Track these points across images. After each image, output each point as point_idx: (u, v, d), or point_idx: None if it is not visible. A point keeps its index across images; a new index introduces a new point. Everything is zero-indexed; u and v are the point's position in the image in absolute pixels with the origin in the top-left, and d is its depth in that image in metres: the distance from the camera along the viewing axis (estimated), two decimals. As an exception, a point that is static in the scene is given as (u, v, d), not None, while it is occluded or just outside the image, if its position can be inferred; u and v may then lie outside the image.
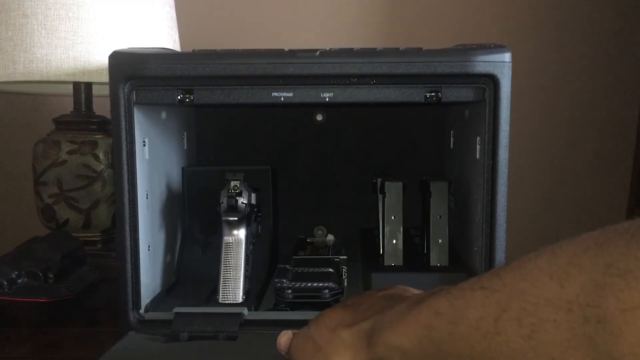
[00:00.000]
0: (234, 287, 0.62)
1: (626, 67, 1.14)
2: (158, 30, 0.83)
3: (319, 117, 0.82)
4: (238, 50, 0.58)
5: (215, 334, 0.56)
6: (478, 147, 0.60)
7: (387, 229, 0.66)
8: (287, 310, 0.61)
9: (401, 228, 0.65)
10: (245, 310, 0.59)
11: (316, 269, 0.66)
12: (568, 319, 0.26)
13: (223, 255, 0.63)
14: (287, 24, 1.14)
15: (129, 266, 0.59)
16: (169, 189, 0.71)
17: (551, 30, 1.13)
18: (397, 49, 0.57)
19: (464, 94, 0.57)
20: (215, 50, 0.58)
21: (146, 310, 0.61)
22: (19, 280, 0.66)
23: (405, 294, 0.42)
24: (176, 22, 0.90)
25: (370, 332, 0.37)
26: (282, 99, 0.57)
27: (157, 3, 0.83)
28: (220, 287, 0.62)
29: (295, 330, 0.45)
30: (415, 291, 0.42)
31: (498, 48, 0.56)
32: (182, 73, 0.56)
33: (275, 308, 0.62)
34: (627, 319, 0.23)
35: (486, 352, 0.30)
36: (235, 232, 0.63)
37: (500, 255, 0.57)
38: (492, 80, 0.55)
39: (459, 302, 0.33)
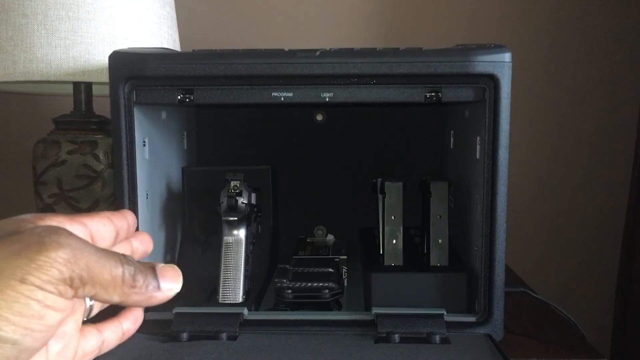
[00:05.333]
0: (234, 287, 0.62)
1: (626, 66, 1.14)
2: (158, 30, 0.83)
3: (319, 117, 0.82)
4: (238, 50, 0.58)
5: (215, 334, 0.56)
6: (478, 147, 0.60)
7: (387, 229, 0.66)
8: (287, 310, 0.61)
9: (401, 228, 0.65)
10: (245, 310, 0.59)
11: (316, 269, 0.66)
12: None
13: (223, 255, 0.63)
14: (287, 24, 1.14)
15: (129, 266, 0.59)
16: (169, 189, 0.71)
17: (551, 30, 1.13)
18: (397, 49, 0.57)
19: (464, 93, 0.57)
20: (215, 50, 0.58)
21: (146, 310, 0.61)
22: (19, 280, 0.66)
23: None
24: (176, 22, 0.90)
25: None
26: (282, 99, 0.57)
27: (157, 3, 0.83)
28: (220, 287, 0.62)
29: None
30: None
31: (498, 48, 0.56)
32: (182, 73, 0.56)
33: (275, 308, 0.62)
34: None
35: None
36: (235, 232, 0.63)
37: (500, 255, 0.57)
38: (492, 80, 0.55)
39: None
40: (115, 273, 0.31)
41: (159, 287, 0.33)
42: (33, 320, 0.28)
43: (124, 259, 0.32)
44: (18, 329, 0.28)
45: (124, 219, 0.38)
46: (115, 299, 0.31)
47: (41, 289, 0.28)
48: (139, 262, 0.33)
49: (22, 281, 0.28)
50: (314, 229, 0.83)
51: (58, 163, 0.83)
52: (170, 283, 0.34)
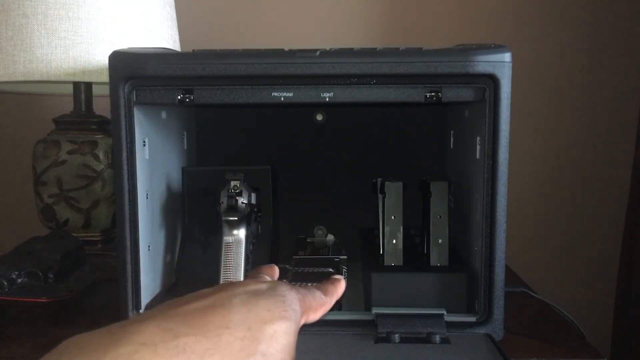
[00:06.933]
0: (234, 287, 0.62)
1: (626, 67, 1.14)
2: (158, 30, 0.83)
3: (319, 117, 0.82)
4: (238, 50, 0.58)
5: (215, 334, 0.56)
6: (478, 147, 0.60)
7: (387, 229, 0.66)
8: (287, 310, 0.61)
9: (401, 228, 0.65)
10: (245, 310, 0.59)
11: (316, 269, 0.66)
12: None
13: (223, 255, 0.63)
14: (287, 24, 1.14)
15: (129, 266, 0.59)
16: (169, 189, 0.71)
17: (551, 30, 1.13)
18: (397, 49, 0.57)
19: (464, 93, 0.57)
20: (215, 50, 0.58)
21: (146, 310, 0.61)
22: (19, 280, 0.66)
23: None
24: (176, 22, 0.90)
25: None
26: (282, 99, 0.57)
27: (157, 3, 0.83)
28: (220, 287, 0.62)
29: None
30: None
31: (498, 48, 0.56)
32: (182, 73, 0.56)
33: (275, 308, 0.62)
34: None
35: None
36: (235, 232, 0.63)
37: (500, 255, 0.57)
38: (492, 80, 0.55)
39: None
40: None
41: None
42: None
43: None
44: None
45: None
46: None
47: None
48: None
49: None
50: (314, 229, 0.83)
51: (58, 163, 0.83)
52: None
